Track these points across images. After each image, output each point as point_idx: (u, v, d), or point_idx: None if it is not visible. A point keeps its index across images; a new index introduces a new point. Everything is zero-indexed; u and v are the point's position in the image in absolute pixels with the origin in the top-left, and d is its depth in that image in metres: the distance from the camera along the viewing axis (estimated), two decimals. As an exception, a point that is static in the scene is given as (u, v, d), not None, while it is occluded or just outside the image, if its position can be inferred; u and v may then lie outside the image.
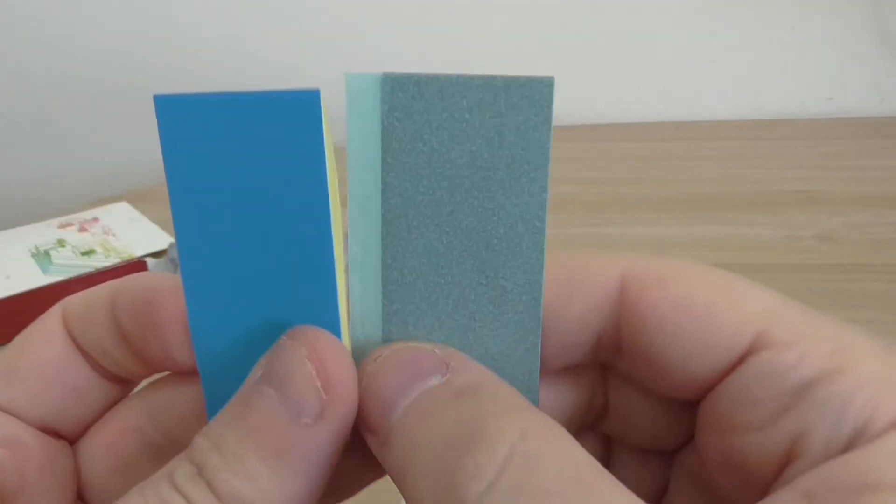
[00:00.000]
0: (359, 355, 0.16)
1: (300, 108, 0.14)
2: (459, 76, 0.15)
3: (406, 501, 0.14)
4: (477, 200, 0.16)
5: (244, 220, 0.15)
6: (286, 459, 0.14)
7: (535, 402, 0.16)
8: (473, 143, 0.15)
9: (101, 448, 0.18)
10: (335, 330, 0.15)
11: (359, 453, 0.16)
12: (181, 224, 0.15)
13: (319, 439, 0.14)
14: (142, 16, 0.73)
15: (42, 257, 0.53)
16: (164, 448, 0.18)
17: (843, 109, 0.75)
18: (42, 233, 0.57)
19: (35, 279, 0.50)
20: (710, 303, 0.15)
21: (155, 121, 0.14)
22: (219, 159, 0.14)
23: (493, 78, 0.15)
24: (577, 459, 0.13)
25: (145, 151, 0.76)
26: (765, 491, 0.14)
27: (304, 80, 0.70)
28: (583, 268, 0.17)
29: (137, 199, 0.64)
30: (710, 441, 0.16)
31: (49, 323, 0.18)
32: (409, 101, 0.15)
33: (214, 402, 0.16)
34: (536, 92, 0.15)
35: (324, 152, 0.14)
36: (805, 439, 0.14)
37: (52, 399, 0.17)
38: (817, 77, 0.74)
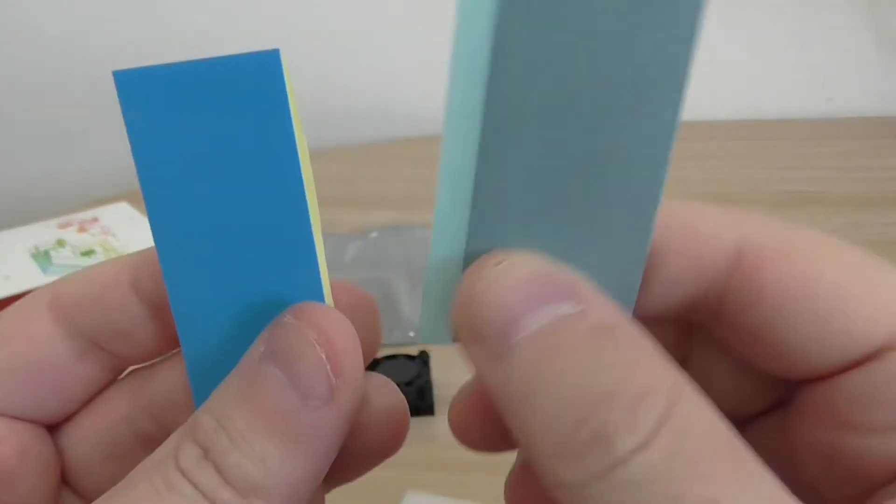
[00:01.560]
0: (438, 272, 0.15)
1: (261, 70, 0.14)
2: None
3: (515, 424, 0.13)
4: (597, 120, 0.13)
5: (215, 191, 0.14)
6: (296, 441, 0.14)
7: None
8: (604, 52, 0.13)
9: (89, 437, 0.18)
10: (318, 294, 0.15)
11: (363, 437, 0.16)
12: (153, 202, 0.14)
13: (329, 422, 0.14)
14: (142, 15, 0.73)
15: (42, 257, 0.53)
16: (156, 436, 0.17)
17: (843, 109, 0.75)
18: (42, 233, 0.57)
19: (35, 279, 0.50)
20: (842, 286, 0.14)
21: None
22: (184, 131, 0.14)
23: None
24: (725, 431, 0.12)
25: (145, 151, 0.76)
26: (868, 492, 0.13)
27: (304, 79, 0.70)
28: (698, 222, 0.15)
29: (137, 199, 0.63)
30: (816, 431, 0.15)
31: (31, 314, 0.17)
32: None
33: (199, 374, 0.15)
34: None
35: (290, 114, 0.14)
36: None
37: (30, 396, 0.17)
38: (817, 77, 0.74)
